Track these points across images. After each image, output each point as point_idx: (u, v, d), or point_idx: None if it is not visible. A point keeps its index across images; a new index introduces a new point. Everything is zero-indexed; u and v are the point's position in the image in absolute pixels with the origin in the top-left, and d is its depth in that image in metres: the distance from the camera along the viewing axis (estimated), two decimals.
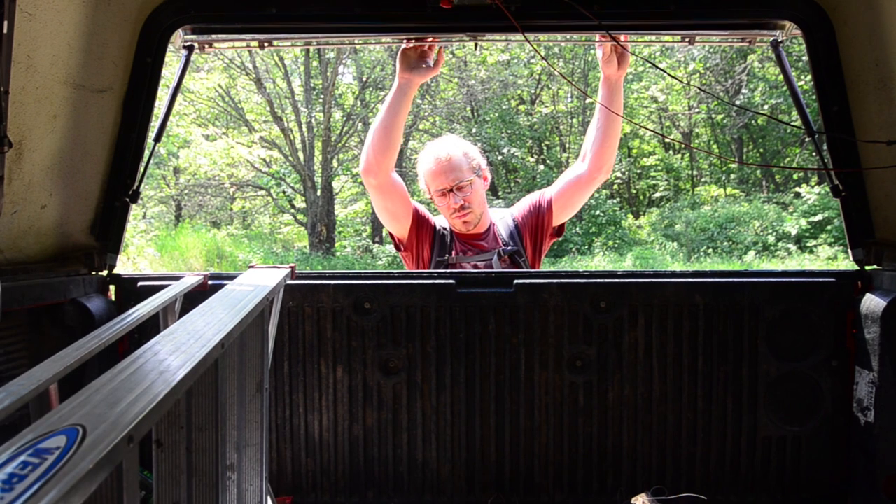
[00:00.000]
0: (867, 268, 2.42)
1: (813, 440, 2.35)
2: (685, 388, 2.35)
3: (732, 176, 23.38)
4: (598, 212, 21.74)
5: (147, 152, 2.47)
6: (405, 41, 2.55)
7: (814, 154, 20.90)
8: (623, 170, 24.22)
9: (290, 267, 2.20)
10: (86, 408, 0.78)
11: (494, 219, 2.89)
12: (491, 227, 2.85)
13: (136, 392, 0.84)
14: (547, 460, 2.37)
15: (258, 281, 1.74)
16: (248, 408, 1.59)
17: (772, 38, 2.46)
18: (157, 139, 2.51)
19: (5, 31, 1.79)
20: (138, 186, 2.47)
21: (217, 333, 1.13)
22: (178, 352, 1.00)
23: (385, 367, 2.38)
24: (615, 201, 23.33)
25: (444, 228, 2.85)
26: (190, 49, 2.49)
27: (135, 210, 2.56)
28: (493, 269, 2.70)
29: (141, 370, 0.93)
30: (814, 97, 2.41)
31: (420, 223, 2.81)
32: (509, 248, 2.76)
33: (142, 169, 2.47)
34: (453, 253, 2.78)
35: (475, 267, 2.75)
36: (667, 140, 25.01)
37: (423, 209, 2.85)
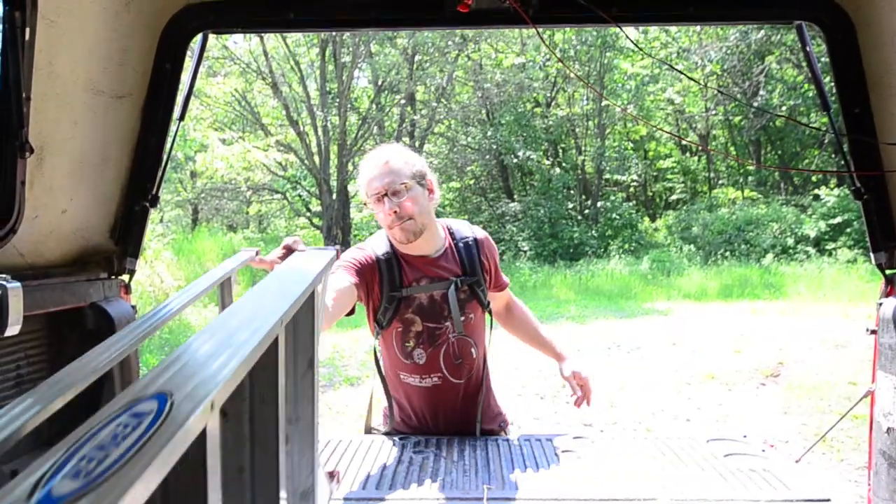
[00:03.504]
0: (889, 272, 2.39)
1: None
2: None
3: (750, 178, 23.20)
4: (614, 215, 21.65)
5: (168, 145, 2.48)
6: None
7: (833, 156, 20.71)
8: (639, 172, 24.12)
9: (336, 248, 2.16)
10: (169, 376, 0.85)
11: (455, 236, 2.60)
12: (447, 249, 2.56)
13: (213, 363, 0.90)
14: None
15: (308, 263, 1.78)
16: (301, 383, 1.64)
17: (797, 22, 2.39)
18: (181, 118, 2.51)
19: (27, 37, 1.81)
20: (157, 191, 2.49)
21: (277, 312, 1.19)
22: (244, 328, 1.06)
23: None
24: (631, 204, 23.23)
25: (388, 254, 2.51)
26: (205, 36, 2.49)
27: (152, 214, 2.58)
28: (450, 299, 2.46)
29: (214, 342, 1.00)
30: (834, 99, 2.38)
31: (362, 275, 2.47)
32: (468, 277, 2.52)
33: (161, 173, 2.49)
34: (405, 283, 2.49)
35: (430, 298, 2.49)
36: (683, 142, 24.87)
37: (357, 262, 2.49)
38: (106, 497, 0.54)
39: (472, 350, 2.53)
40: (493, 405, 2.71)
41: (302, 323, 1.59)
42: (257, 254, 1.99)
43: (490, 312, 2.62)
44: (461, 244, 2.57)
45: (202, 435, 0.83)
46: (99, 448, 0.64)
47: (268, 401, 1.31)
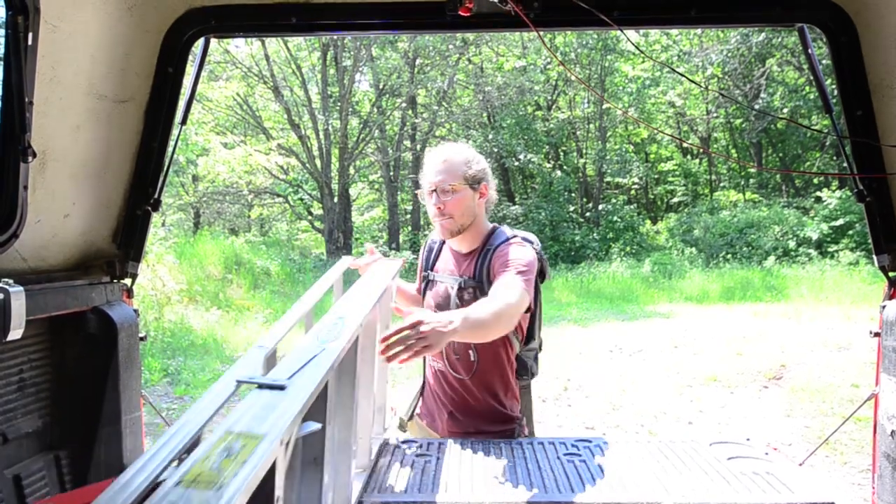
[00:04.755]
0: (892, 274, 2.38)
1: None
2: None
3: (751, 181, 23.19)
4: (615, 217, 21.64)
5: (170, 149, 2.49)
6: None
7: (834, 158, 20.69)
8: (640, 175, 24.11)
9: (402, 259, 2.82)
10: (341, 310, 1.86)
11: (489, 243, 2.64)
12: (476, 251, 2.66)
13: (355, 311, 1.88)
14: None
15: (384, 269, 2.61)
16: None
17: (799, 25, 2.38)
18: (183, 122, 2.52)
19: (30, 42, 1.82)
20: (160, 195, 2.49)
21: (376, 294, 2.17)
22: (364, 301, 2.06)
23: None
24: (633, 207, 23.23)
25: (437, 241, 2.83)
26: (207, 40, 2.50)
27: (154, 218, 2.61)
28: (451, 295, 2.60)
29: (350, 303, 1.99)
30: (836, 101, 2.38)
31: (420, 268, 2.91)
32: (472, 281, 2.60)
33: (163, 177, 2.49)
34: (434, 268, 2.77)
35: (445, 289, 2.68)
36: (685, 145, 24.88)
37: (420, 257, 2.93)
38: (343, 340, 1.63)
39: (470, 352, 2.57)
40: (502, 411, 2.68)
41: (384, 302, 2.44)
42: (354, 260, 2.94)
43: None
44: (487, 250, 2.62)
45: (357, 338, 1.81)
46: (329, 331, 1.69)
47: (370, 337, 2.19)
